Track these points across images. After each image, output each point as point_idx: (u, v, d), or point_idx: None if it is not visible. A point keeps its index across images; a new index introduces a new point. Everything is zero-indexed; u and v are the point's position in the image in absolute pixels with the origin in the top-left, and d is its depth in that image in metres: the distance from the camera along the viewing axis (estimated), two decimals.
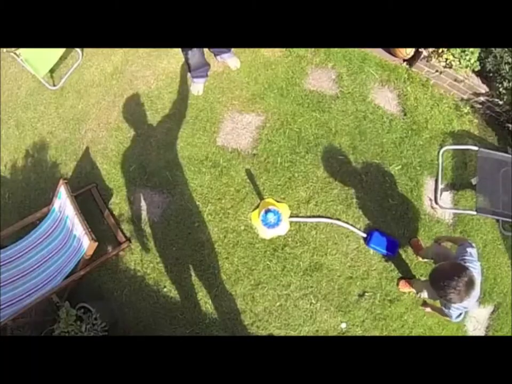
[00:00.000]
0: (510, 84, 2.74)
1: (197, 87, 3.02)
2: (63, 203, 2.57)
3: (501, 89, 2.80)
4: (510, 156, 2.84)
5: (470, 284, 1.81)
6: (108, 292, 2.75)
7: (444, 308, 2.12)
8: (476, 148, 2.86)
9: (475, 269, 1.97)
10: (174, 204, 2.82)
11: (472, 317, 2.77)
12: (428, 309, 2.57)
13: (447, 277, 1.82)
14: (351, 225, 2.74)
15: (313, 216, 2.76)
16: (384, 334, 2.61)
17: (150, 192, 2.87)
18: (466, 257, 2.02)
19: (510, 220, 2.74)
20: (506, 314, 2.78)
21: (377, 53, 3.13)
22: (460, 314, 2.08)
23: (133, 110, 3.07)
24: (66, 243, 2.61)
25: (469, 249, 2.04)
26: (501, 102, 2.89)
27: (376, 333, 2.62)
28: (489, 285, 2.78)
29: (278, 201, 2.77)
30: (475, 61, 2.73)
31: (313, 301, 2.64)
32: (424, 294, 2.41)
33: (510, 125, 2.96)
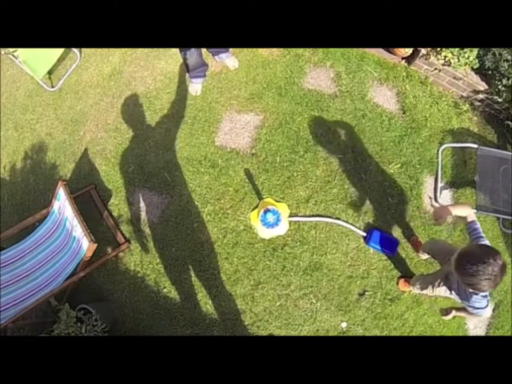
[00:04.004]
0: (509, 81, 2.74)
1: (195, 87, 3.01)
2: (62, 205, 2.57)
3: (500, 87, 2.79)
4: (509, 153, 2.84)
5: (504, 269, 1.60)
6: (107, 293, 2.75)
7: (468, 305, 1.87)
8: (475, 146, 2.85)
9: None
10: (173, 205, 2.82)
11: None
12: (452, 314, 2.19)
13: (479, 261, 1.58)
14: (351, 224, 2.73)
15: (313, 216, 2.75)
16: (385, 333, 2.61)
17: (149, 193, 2.87)
18: (481, 237, 1.81)
19: (510, 218, 2.74)
20: (507, 312, 2.78)
21: (376, 52, 3.13)
22: (487, 304, 1.84)
23: (132, 110, 3.07)
24: (66, 245, 2.60)
25: (478, 226, 1.86)
26: (500, 100, 2.88)
27: (377, 332, 2.61)
28: None
29: (277, 201, 2.76)
30: (474, 59, 2.72)
31: (313, 301, 2.64)
32: (417, 289, 2.38)
33: (509, 123, 2.95)
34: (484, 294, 1.77)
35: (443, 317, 2.27)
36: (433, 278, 2.18)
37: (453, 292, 2.01)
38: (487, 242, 1.82)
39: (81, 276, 2.51)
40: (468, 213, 1.91)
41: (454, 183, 2.91)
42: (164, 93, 3.08)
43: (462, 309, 2.06)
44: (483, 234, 1.84)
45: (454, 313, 2.17)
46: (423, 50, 2.88)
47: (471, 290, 1.72)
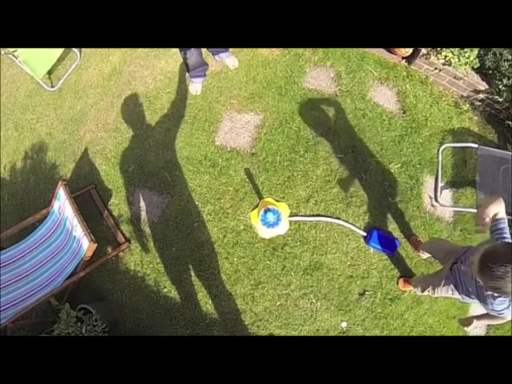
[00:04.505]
0: (510, 81, 2.73)
1: (195, 86, 3.01)
2: (62, 204, 2.57)
3: (500, 87, 2.79)
4: (510, 153, 2.83)
5: None
6: (108, 293, 2.75)
7: (491, 309, 1.72)
8: (475, 146, 2.85)
9: None
10: (173, 204, 2.82)
11: None
12: (473, 324, 2.00)
13: (508, 262, 1.41)
14: (351, 224, 2.73)
15: (313, 215, 2.75)
16: (385, 332, 2.61)
17: (149, 192, 2.87)
18: (505, 238, 1.63)
19: (510, 218, 2.73)
20: None
21: (376, 51, 3.12)
22: (510, 304, 1.68)
23: (132, 110, 3.07)
24: (66, 244, 2.61)
25: (505, 225, 1.66)
26: (500, 99, 2.88)
27: (377, 332, 2.61)
28: None
29: (277, 201, 2.76)
30: (474, 58, 2.72)
31: (313, 300, 2.64)
32: (418, 291, 2.36)
33: (509, 122, 2.95)
34: (505, 298, 1.63)
35: (465, 328, 2.07)
36: (434, 278, 2.17)
37: (465, 296, 1.91)
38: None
39: (81, 276, 2.52)
40: (500, 207, 1.70)
41: (454, 182, 2.90)
42: (163, 92, 3.08)
43: (483, 316, 1.91)
44: (508, 235, 1.65)
45: (475, 323, 1.99)
46: (424, 50, 2.88)
47: (496, 294, 1.58)
